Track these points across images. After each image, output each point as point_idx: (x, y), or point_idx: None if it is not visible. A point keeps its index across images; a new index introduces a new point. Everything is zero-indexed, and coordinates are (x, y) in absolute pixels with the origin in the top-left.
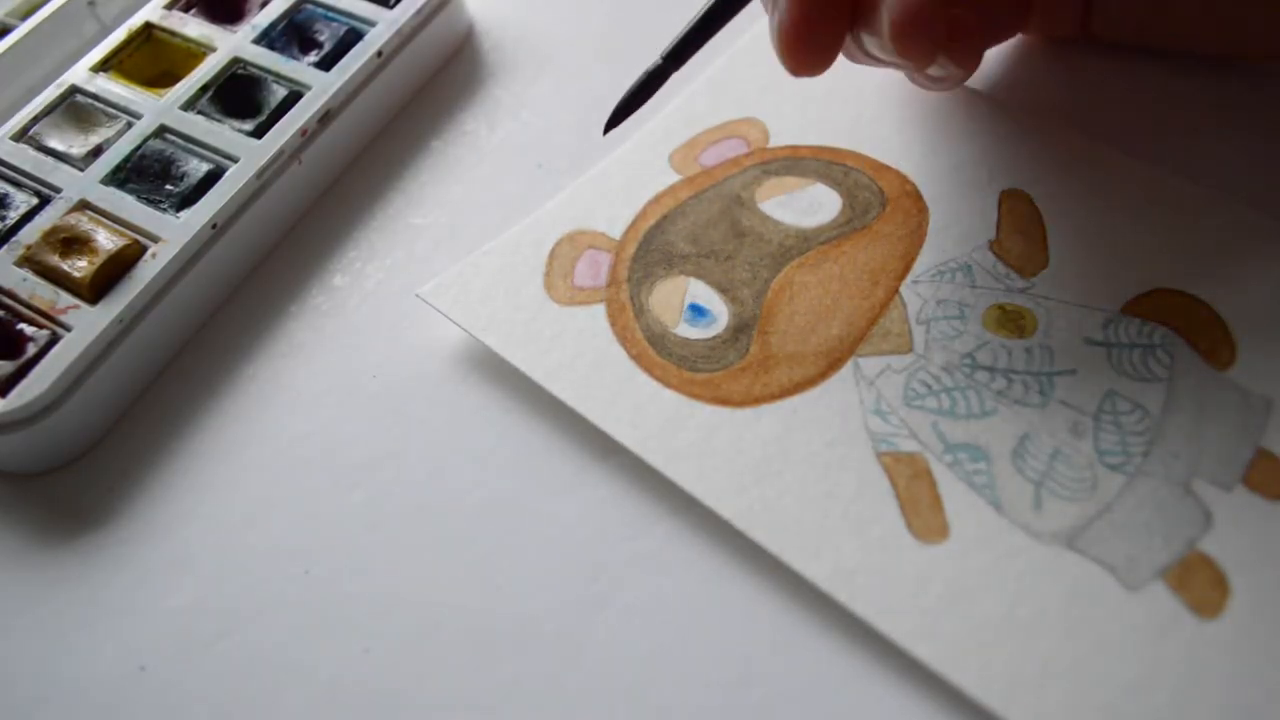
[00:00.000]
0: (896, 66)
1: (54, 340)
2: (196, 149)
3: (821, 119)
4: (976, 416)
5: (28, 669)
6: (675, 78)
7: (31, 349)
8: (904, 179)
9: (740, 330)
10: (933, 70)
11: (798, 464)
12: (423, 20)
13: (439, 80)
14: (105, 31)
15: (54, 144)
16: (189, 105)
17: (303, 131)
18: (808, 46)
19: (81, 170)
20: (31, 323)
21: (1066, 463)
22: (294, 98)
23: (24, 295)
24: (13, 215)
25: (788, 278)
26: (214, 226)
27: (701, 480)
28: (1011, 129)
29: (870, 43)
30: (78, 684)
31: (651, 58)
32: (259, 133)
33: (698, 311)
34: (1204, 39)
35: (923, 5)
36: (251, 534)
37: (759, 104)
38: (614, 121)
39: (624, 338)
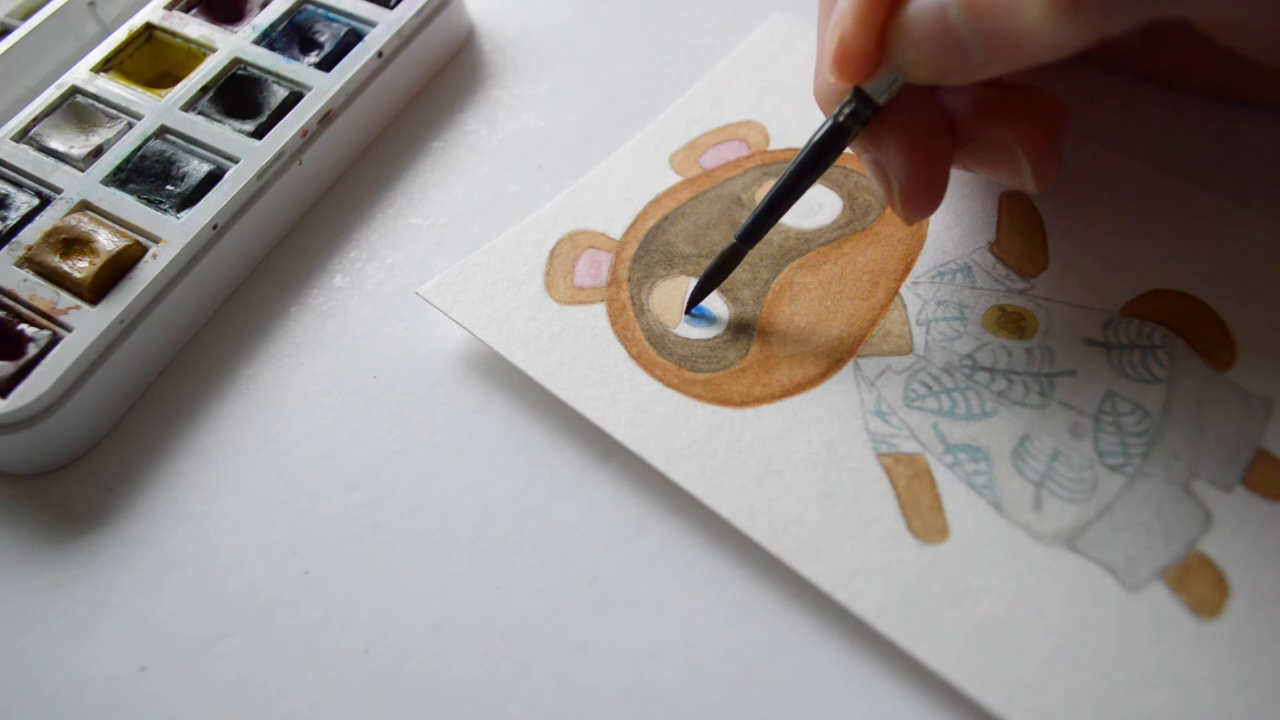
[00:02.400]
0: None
1: (55, 341)
2: (197, 149)
3: (822, 121)
4: (976, 417)
5: (28, 669)
6: (676, 80)
7: (32, 350)
8: None
9: (741, 330)
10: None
11: (798, 464)
12: (423, 21)
13: (439, 81)
14: (105, 32)
15: (54, 144)
16: (189, 106)
17: (303, 132)
18: (928, 204)
19: (82, 171)
20: (32, 323)
21: (1066, 463)
22: (294, 98)
23: (24, 296)
24: (13, 216)
25: (788, 278)
26: (215, 227)
27: (702, 480)
28: None
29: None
30: (78, 684)
31: (652, 60)
32: (259, 133)
33: (698, 311)
34: (1200, 77)
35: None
36: (252, 534)
37: (759, 107)
38: (695, 300)
39: (624, 337)
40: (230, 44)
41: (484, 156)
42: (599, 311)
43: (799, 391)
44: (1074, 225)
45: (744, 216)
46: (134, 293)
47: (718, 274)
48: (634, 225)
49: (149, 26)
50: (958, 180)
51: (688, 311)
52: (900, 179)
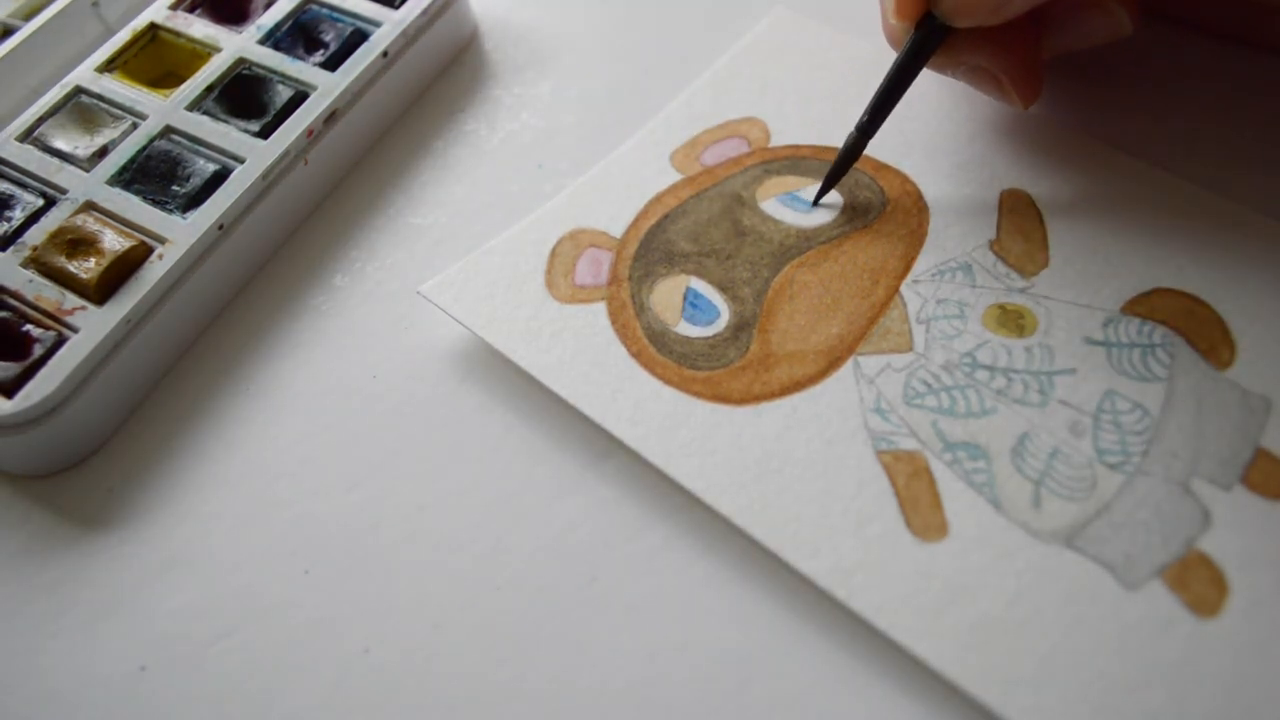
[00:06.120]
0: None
1: (60, 341)
2: (202, 149)
3: (823, 119)
4: (976, 415)
5: (28, 668)
6: (676, 79)
7: (38, 350)
8: (905, 178)
9: (741, 328)
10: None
11: (797, 462)
12: (428, 20)
13: (440, 81)
14: (109, 32)
15: (59, 145)
16: (194, 106)
17: (309, 132)
18: (1037, 85)
19: (87, 171)
20: (38, 324)
21: (1066, 462)
22: (300, 98)
23: (30, 296)
24: (19, 216)
25: (788, 276)
26: (220, 227)
27: (701, 477)
28: (1013, 128)
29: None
30: (78, 684)
31: (652, 58)
32: (265, 133)
33: (698, 309)
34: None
35: None
36: (252, 534)
37: (760, 103)
38: (822, 193)
39: (624, 335)
40: (235, 44)
41: (484, 156)
42: (599, 310)
43: (798, 389)
44: (1075, 224)
45: (746, 214)
46: (140, 293)
47: (840, 167)
48: (635, 224)
49: (153, 26)
50: (958, 179)
51: (814, 203)
52: (1006, 73)
